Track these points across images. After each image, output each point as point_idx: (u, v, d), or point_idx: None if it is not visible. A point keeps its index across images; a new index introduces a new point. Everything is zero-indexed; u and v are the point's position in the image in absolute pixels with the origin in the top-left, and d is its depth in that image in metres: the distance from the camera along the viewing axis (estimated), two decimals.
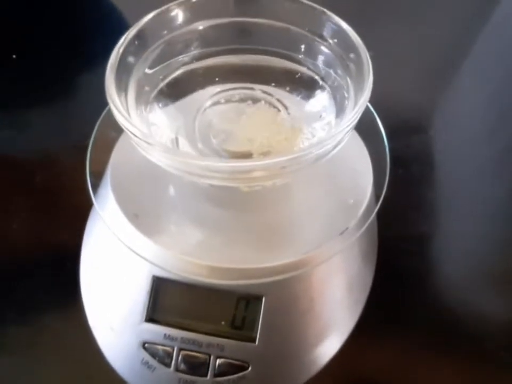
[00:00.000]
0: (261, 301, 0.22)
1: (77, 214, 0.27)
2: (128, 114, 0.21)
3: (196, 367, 0.22)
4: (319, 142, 0.18)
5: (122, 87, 0.22)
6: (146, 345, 0.22)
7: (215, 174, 0.18)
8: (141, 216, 0.23)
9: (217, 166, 0.17)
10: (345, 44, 0.22)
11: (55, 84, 0.37)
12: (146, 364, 0.22)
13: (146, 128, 0.22)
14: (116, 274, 0.24)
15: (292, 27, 0.24)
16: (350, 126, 0.18)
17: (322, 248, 0.22)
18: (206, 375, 0.22)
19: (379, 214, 0.24)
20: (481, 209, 0.33)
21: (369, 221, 0.23)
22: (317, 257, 0.22)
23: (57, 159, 0.33)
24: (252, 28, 0.24)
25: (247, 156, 0.21)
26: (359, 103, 0.19)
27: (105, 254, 0.25)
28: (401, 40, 0.42)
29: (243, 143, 0.22)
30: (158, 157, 0.19)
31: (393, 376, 0.26)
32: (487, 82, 0.41)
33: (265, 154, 0.21)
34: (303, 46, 0.24)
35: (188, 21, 0.24)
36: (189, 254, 0.21)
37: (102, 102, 0.20)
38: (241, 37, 0.25)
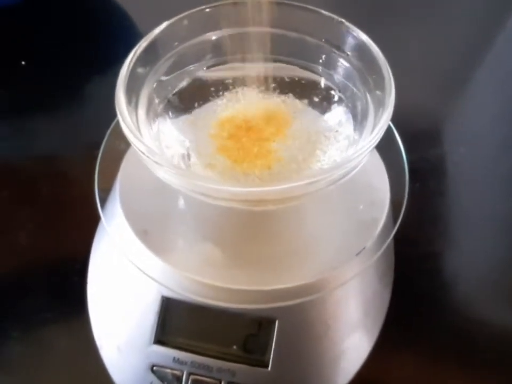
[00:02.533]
0: (274, 324, 0.21)
1: (85, 226, 0.27)
2: (138, 128, 0.20)
3: None
4: (338, 165, 0.17)
5: (132, 100, 0.21)
6: (154, 368, 0.21)
7: (227, 196, 0.17)
8: (150, 232, 0.22)
9: (229, 190, 0.16)
10: (364, 57, 0.21)
11: (65, 91, 0.37)
12: None
13: (157, 143, 0.21)
14: (124, 293, 0.23)
15: (308, 38, 0.23)
16: (371, 147, 0.17)
17: (339, 270, 0.21)
18: None
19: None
20: (501, 225, 0.32)
21: (388, 241, 0.22)
22: (332, 280, 0.21)
23: (65, 169, 0.32)
24: (267, 38, 0.24)
25: (262, 174, 0.20)
26: (380, 121, 0.18)
27: (112, 271, 0.24)
28: (418, 50, 0.40)
29: (258, 160, 0.21)
30: (166, 176, 0.18)
31: None
32: (506, 93, 0.39)
33: (280, 174, 0.20)
34: (319, 58, 0.23)
35: (200, 31, 0.23)
36: (200, 274, 0.21)
37: (112, 111, 0.20)
38: (255, 48, 0.24)
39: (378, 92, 0.20)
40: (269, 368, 0.21)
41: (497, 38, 0.42)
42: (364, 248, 0.22)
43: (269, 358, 0.21)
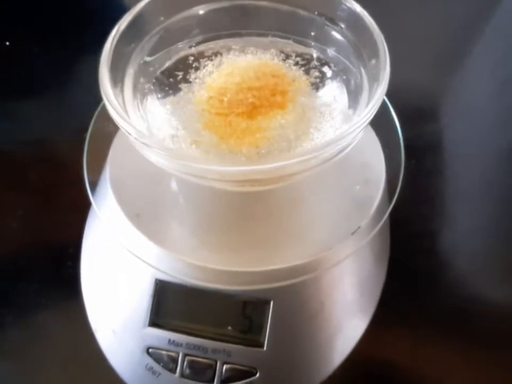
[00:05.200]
0: (269, 305, 0.21)
1: (77, 210, 0.26)
2: (125, 109, 0.19)
3: (201, 373, 0.21)
4: (332, 141, 0.16)
5: (118, 79, 0.20)
6: (150, 350, 0.21)
7: (216, 176, 0.17)
8: (143, 216, 0.22)
9: (217, 170, 0.16)
10: (358, 29, 0.20)
11: (51, 72, 0.35)
12: (150, 369, 0.21)
13: (144, 123, 0.21)
14: (117, 276, 0.23)
15: (300, 10, 0.22)
16: (366, 122, 0.17)
17: (333, 250, 0.21)
18: (212, 381, 0.21)
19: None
20: (496, 203, 0.31)
21: (383, 220, 0.22)
22: (327, 260, 0.21)
23: (55, 153, 0.32)
24: (256, 11, 0.23)
25: (250, 153, 0.20)
26: (375, 96, 0.17)
27: (105, 255, 0.24)
28: (413, 24, 0.39)
29: (249, 137, 0.20)
30: (155, 157, 0.18)
31: (406, 379, 0.25)
32: (502, 69, 0.38)
33: (270, 153, 0.19)
34: (312, 31, 0.22)
35: (187, 5, 0.22)
36: (194, 257, 0.20)
37: (100, 92, 0.19)
38: (244, 22, 0.23)
39: (372, 66, 0.19)
40: (264, 348, 0.21)
41: (495, 14, 0.41)
42: (359, 227, 0.21)
43: (264, 338, 0.21)
